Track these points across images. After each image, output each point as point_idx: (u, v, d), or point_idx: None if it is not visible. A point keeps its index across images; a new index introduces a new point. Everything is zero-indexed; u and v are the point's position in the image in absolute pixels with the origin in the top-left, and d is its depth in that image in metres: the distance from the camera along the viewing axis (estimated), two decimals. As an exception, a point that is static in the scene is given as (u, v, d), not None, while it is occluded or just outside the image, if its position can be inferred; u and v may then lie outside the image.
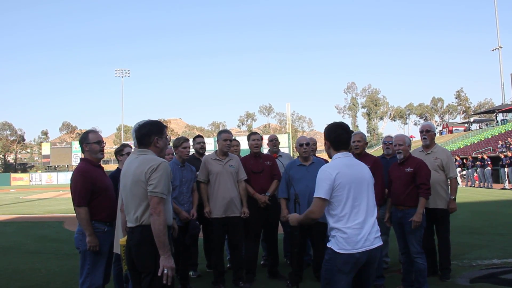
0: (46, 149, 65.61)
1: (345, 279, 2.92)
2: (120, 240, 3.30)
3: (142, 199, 2.99)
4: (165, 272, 2.85)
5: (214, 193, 5.29)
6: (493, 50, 58.55)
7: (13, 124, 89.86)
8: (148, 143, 3.14)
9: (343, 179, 2.95)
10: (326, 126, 3.26)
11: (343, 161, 3.07)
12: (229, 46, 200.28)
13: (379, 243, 3.03)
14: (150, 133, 3.14)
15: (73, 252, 7.00)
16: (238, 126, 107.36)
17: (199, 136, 6.27)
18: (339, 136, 3.15)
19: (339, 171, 2.96)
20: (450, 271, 5.36)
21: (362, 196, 3.00)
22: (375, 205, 3.11)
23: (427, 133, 5.46)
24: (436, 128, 69.54)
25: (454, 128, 63.76)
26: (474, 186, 24.40)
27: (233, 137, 5.65)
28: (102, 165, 4.32)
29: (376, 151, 62.76)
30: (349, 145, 3.23)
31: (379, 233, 3.07)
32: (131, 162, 3.13)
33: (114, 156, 5.25)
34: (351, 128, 3.32)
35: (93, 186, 3.94)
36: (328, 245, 3.03)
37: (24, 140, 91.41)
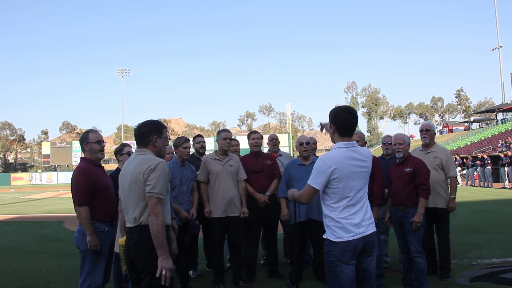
0: (46, 148, 65.63)
1: (348, 269, 2.90)
2: (119, 240, 3.30)
3: (141, 199, 2.98)
4: (163, 273, 2.84)
5: (214, 193, 5.29)
6: (493, 49, 58.64)
7: (13, 123, 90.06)
8: (147, 142, 3.14)
9: (340, 173, 2.91)
10: (332, 109, 3.11)
11: (344, 152, 2.98)
12: (229, 46, 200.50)
13: (373, 229, 3.04)
14: (149, 132, 3.14)
15: (73, 252, 7.01)
16: (238, 125, 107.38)
17: (199, 135, 6.27)
18: (346, 121, 3.01)
19: (338, 166, 2.91)
20: (450, 270, 5.37)
21: (358, 187, 2.98)
22: (366, 193, 3.08)
23: (427, 132, 5.46)
24: (436, 128, 69.56)
25: (454, 128, 63.81)
26: (474, 185, 24.41)
27: (232, 137, 5.65)
28: (102, 165, 4.33)
29: (376, 150, 62.78)
30: (354, 131, 3.11)
31: (373, 220, 3.07)
32: (130, 162, 3.13)
33: (114, 156, 5.24)
34: None
35: (94, 186, 3.94)
36: (324, 236, 3.02)
37: (24, 139, 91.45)
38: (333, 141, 3.12)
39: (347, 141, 3.03)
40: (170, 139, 3.94)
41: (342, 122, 3.02)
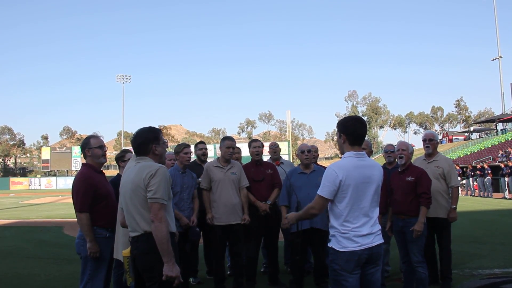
0: (46, 153, 65.69)
1: (352, 278, 2.90)
2: (123, 252, 3.26)
3: (143, 206, 2.94)
4: (167, 280, 2.81)
5: (216, 200, 5.28)
6: (493, 60, 58.92)
7: (13, 128, 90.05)
8: (146, 151, 3.11)
9: (349, 182, 2.90)
10: (340, 119, 3.14)
11: (352, 161, 2.98)
12: (230, 53, 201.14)
13: (380, 240, 3.02)
14: (147, 142, 3.11)
15: (73, 257, 6.99)
16: (238, 133, 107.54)
17: (201, 142, 6.28)
18: (356, 130, 3.03)
19: (346, 174, 2.91)
20: (451, 280, 5.34)
21: (366, 198, 2.96)
22: (378, 205, 3.08)
23: (430, 142, 5.46)
24: (436, 137, 69.36)
25: (454, 137, 63.89)
26: (474, 195, 24.37)
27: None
28: (103, 171, 4.32)
29: (376, 159, 62.77)
30: (364, 140, 3.12)
31: (380, 232, 3.05)
32: (130, 171, 3.09)
33: (115, 162, 5.23)
34: None
35: (95, 192, 3.93)
36: (329, 245, 3.01)
37: (24, 144, 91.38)
38: (342, 151, 3.11)
39: (357, 151, 3.03)
40: (168, 145, 3.92)
41: (353, 131, 3.04)
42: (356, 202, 2.93)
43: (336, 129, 3.15)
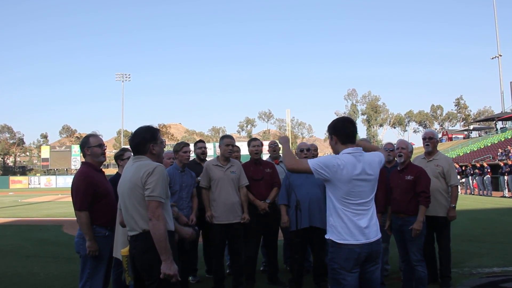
0: (45, 152, 65.46)
1: (351, 277, 2.91)
2: (122, 250, 3.26)
3: (141, 205, 2.95)
4: (165, 278, 2.82)
5: (216, 199, 5.28)
6: (492, 58, 58.88)
7: (12, 127, 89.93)
8: (144, 150, 3.12)
9: (347, 176, 2.94)
10: (331, 122, 3.21)
11: (350, 156, 3.03)
12: (230, 52, 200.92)
13: (378, 236, 3.05)
14: (144, 141, 3.12)
15: (72, 256, 6.99)
16: (238, 131, 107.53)
17: (200, 141, 6.28)
18: (346, 130, 3.11)
19: (345, 168, 2.95)
20: (450, 279, 5.35)
21: (364, 192, 3.00)
22: (373, 199, 3.11)
23: (430, 140, 5.46)
24: (436, 136, 69.24)
25: (453, 136, 63.79)
26: (473, 194, 24.39)
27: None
28: (102, 170, 4.32)
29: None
30: (355, 138, 3.18)
31: (378, 226, 3.08)
32: (128, 170, 3.10)
33: (115, 161, 5.23)
34: None
35: (95, 191, 3.93)
36: (327, 236, 3.03)
37: (23, 143, 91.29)
38: (336, 153, 3.15)
39: (352, 147, 3.07)
40: (165, 144, 3.93)
41: (342, 130, 3.12)
42: (354, 195, 2.97)
43: (328, 133, 3.22)
